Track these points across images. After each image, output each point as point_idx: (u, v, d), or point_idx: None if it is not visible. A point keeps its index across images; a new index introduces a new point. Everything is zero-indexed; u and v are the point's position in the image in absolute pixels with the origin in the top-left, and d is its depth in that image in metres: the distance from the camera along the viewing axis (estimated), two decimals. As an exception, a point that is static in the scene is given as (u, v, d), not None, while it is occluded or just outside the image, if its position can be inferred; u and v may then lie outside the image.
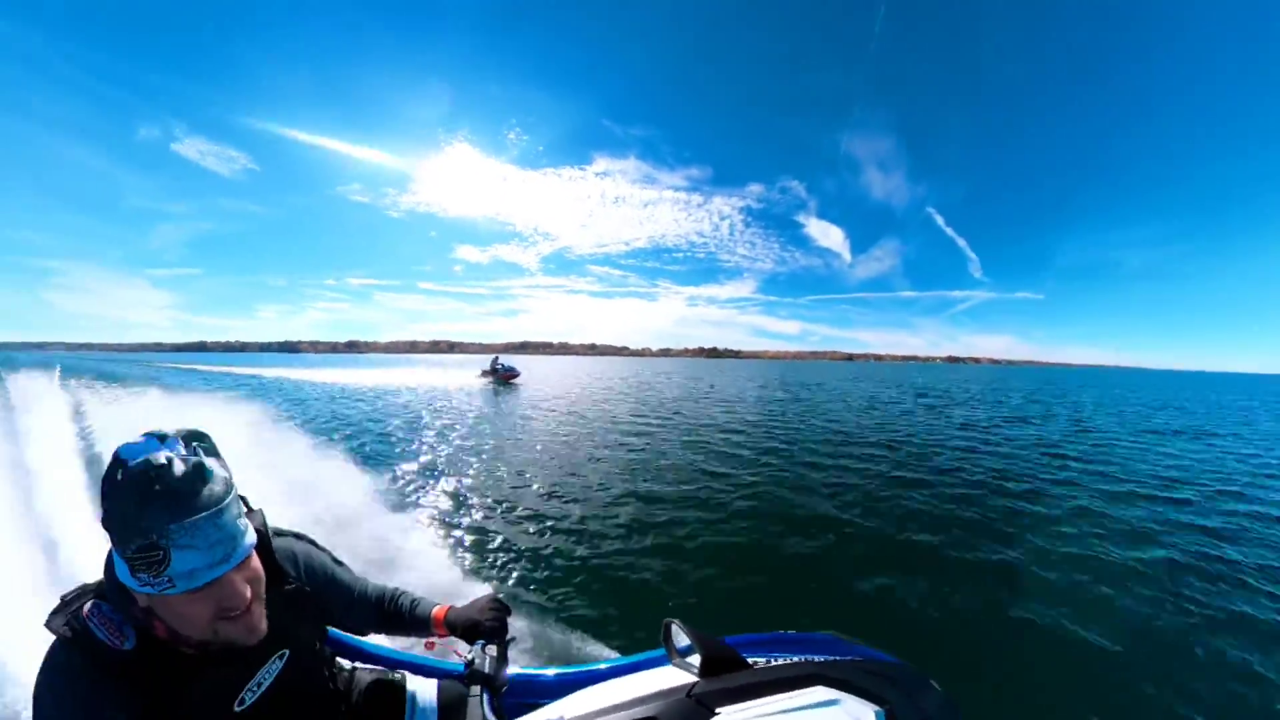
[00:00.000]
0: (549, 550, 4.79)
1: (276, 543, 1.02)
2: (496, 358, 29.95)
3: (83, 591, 0.80)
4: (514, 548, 4.86)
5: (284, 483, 5.69)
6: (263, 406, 14.41)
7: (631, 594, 3.95)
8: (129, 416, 10.29)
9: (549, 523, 5.52)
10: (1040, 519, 5.88)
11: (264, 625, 0.83)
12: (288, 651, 0.97)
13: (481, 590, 3.59)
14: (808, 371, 67.03)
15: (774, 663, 1.24)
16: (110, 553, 0.74)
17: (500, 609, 1.28)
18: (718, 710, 1.02)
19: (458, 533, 5.26)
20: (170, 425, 0.77)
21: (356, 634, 1.33)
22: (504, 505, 6.14)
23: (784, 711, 1.02)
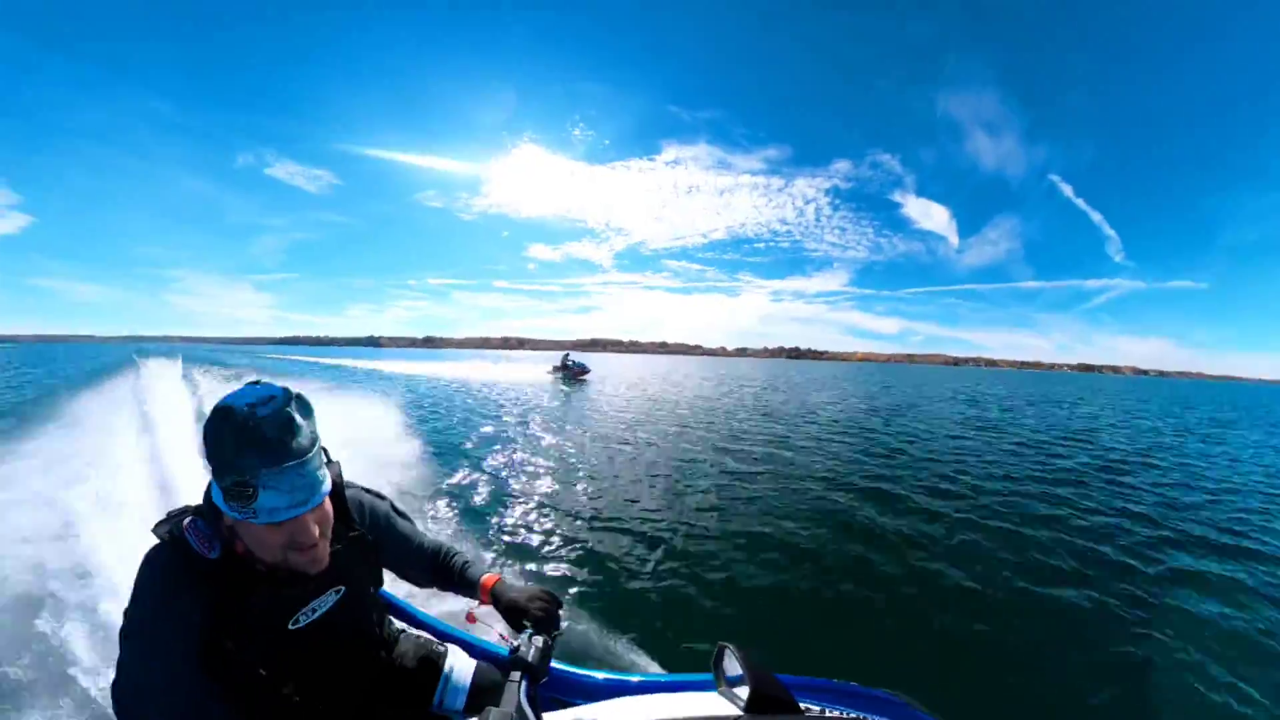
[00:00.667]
0: (607, 552, 4.82)
1: (348, 492, 1.20)
2: (567, 354, 31.21)
3: (184, 510, 0.99)
4: (571, 544, 4.96)
5: (364, 457, 6.37)
6: (341, 388, 16.12)
7: (688, 611, 3.85)
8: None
9: (610, 526, 5.55)
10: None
11: (326, 559, 1.00)
12: (344, 589, 1.13)
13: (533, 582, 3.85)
14: (898, 378, 62.28)
15: (828, 714, 1.18)
16: (218, 494, 0.91)
17: (552, 601, 1.28)
18: None
19: (514, 521, 5.50)
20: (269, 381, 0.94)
21: (412, 582, 1.41)
22: (565, 502, 6.27)
23: None
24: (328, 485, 0.96)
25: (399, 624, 1.55)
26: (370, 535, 1.22)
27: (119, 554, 3.00)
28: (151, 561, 0.93)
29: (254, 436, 0.83)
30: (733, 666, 1.22)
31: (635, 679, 1.52)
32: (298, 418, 0.89)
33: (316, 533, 0.95)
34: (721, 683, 1.24)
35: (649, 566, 4.60)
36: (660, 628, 3.56)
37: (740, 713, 1.12)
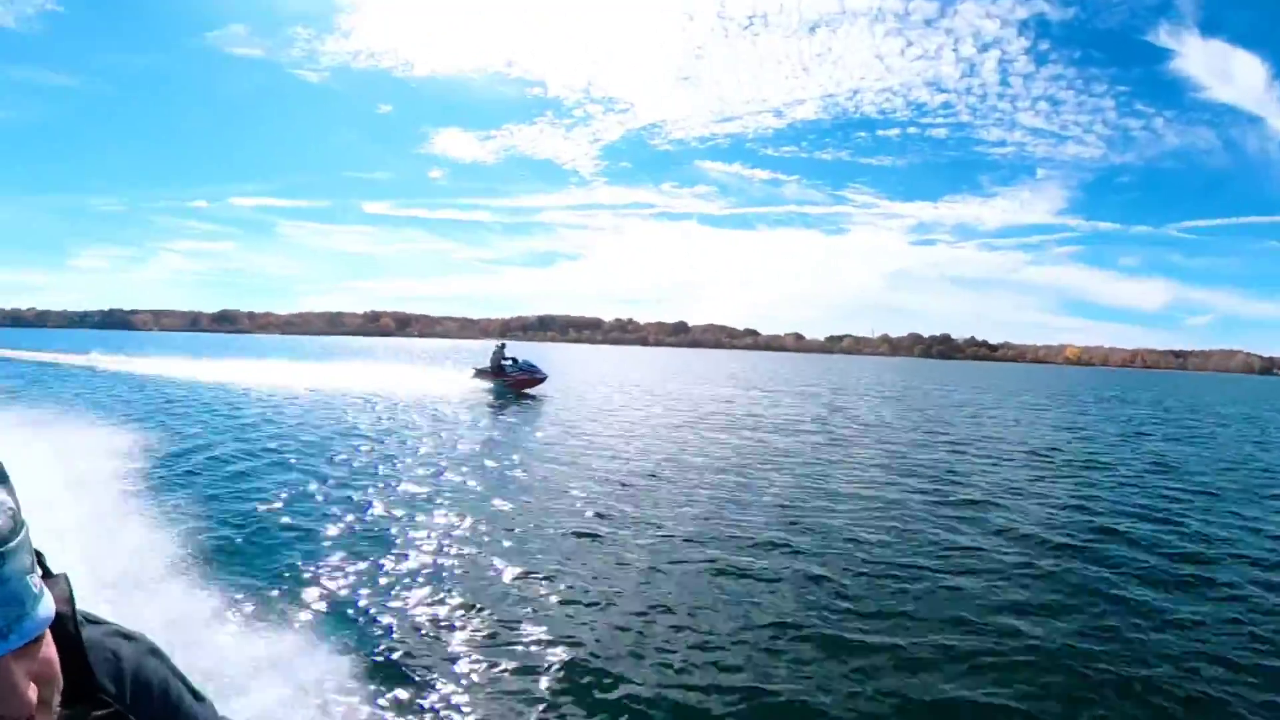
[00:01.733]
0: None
1: (91, 635, 1.17)
2: (503, 345, 32.72)
3: None
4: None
5: (90, 537, 7.37)
6: (63, 414, 16.31)
7: None
8: None
9: (578, 670, 6.61)
10: None
11: None
12: None
13: None
14: (1139, 393, 62.16)
15: None
16: None
17: None
18: None
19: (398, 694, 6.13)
20: None
21: None
22: (494, 629, 7.44)
23: None
24: (48, 609, 0.95)
25: None
26: (133, 714, 1.21)
27: None
28: None
29: None
30: None
31: None
32: None
33: (33, 697, 0.91)
34: None
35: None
36: None
37: None
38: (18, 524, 0.91)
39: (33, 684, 0.91)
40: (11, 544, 0.87)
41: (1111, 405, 40.42)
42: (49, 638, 0.97)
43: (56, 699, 0.98)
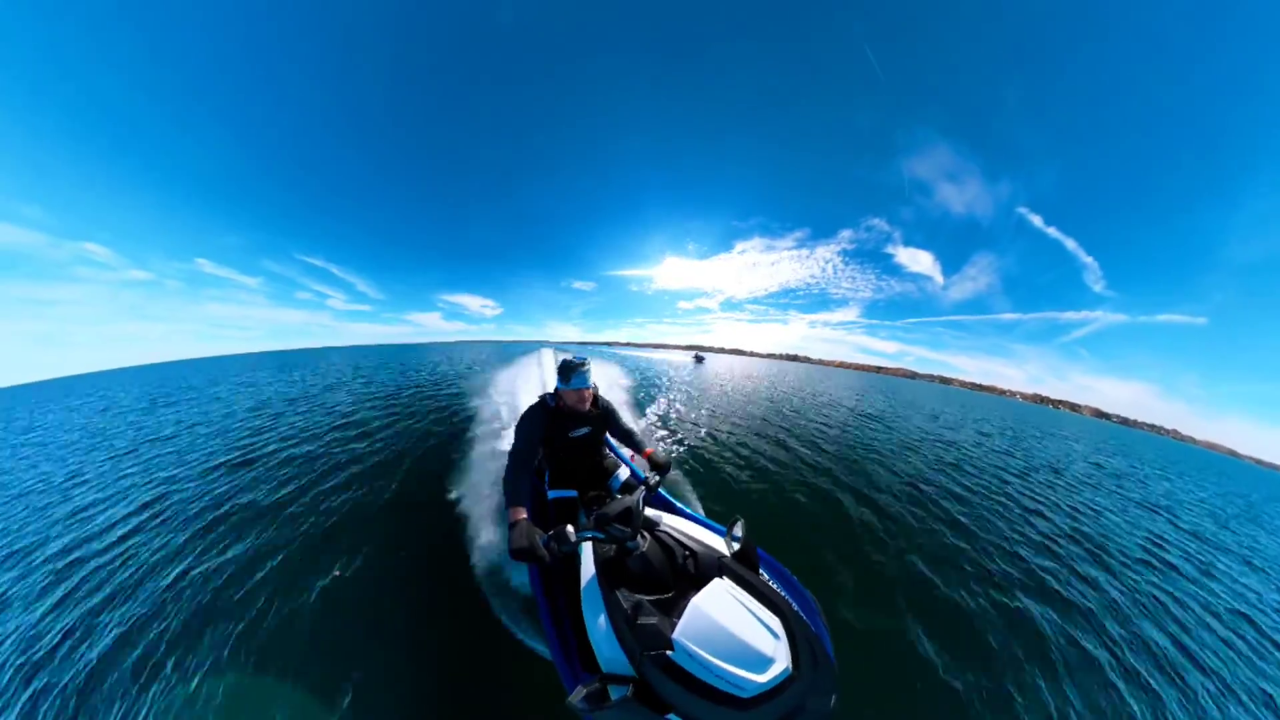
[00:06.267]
0: (707, 450, 8.06)
1: (600, 397, 3.75)
2: (697, 352, 51.90)
3: (547, 392, 3.69)
4: (688, 438, 8.59)
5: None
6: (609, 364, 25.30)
7: (741, 495, 6.28)
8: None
9: (714, 434, 9.42)
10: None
11: (587, 407, 3.59)
12: (590, 428, 3.68)
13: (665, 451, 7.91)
14: (843, 381, 42.80)
15: (770, 584, 2.18)
16: (558, 382, 3.57)
17: (670, 461, 3.58)
18: (723, 577, 2.06)
19: (669, 422, 10.12)
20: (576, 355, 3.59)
21: (618, 441, 3.71)
22: (693, 416, 11.27)
23: (749, 611, 1.91)
24: (592, 383, 3.46)
25: (609, 453, 4.00)
26: (606, 416, 3.70)
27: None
28: (531, 406, 3.49)
29: (569, 366, 3.42)
30: (738, 530, 2.33)
31: (686, 509, 3.49)
32: (580, 362, 3.47)
33: (583, 396, 3.43)
34: (728, 535, 2.36)
35: (723, 461, 7.34)
36: (714, 492, 6.14)
37: (727, 554, 2.18)
38: (589, 367, 3.48)
39: (586, 395, 3.49)
40: (586, 369, 3.47)
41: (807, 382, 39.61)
42: (591, 387, 3.51)
43: (590, 402, 3.54)
